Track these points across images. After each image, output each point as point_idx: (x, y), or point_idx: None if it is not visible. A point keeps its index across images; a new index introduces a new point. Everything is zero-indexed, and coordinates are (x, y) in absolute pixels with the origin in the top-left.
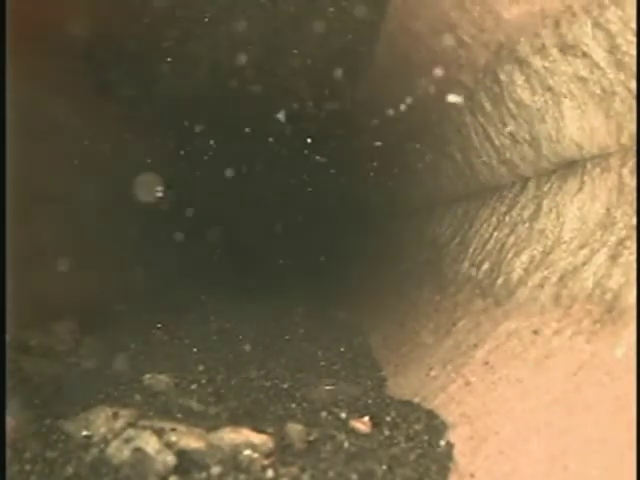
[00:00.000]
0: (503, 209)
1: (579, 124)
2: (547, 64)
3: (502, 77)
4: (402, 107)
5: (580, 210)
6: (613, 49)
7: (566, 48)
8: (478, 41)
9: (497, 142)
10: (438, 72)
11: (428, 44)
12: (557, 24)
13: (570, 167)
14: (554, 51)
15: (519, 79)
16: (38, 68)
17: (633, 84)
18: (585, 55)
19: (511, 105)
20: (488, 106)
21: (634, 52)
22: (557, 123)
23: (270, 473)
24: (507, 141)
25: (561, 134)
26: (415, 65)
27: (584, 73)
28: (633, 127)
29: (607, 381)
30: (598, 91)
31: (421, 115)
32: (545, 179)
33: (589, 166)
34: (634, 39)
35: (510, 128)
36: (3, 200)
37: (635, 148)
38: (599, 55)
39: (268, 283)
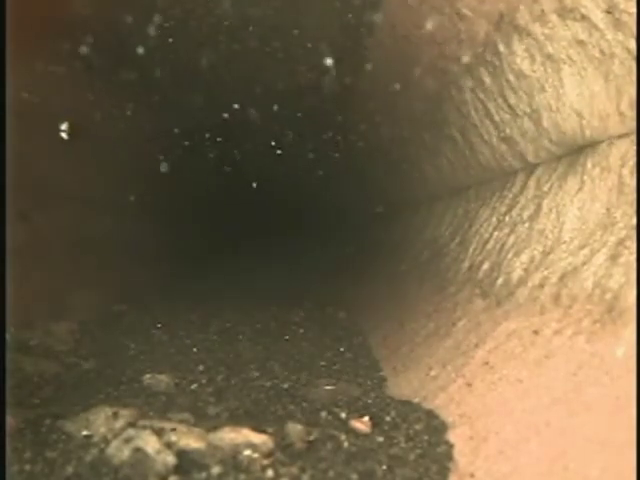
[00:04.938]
0: (503, 209)
1: (579, 90)
2: (546, 30)
3: (502, 48)
4: (401, 87)
5: (580, 210)
6: (611, 8)
7: (565, 12)
8: (478, 13)
9: (497, 118)
10: (437, 49)
11: (427, 20)
12: None
13: (570, 165)
14: (553, 16)
15: (519, 49)
16: (39, 55)
17: (632, 44)
18: (584, 17)
19: (511, 77)
20: (488, 80)
21: (633, 10)
22: (557, 91)
23: (270, 473)
24: (507, 116)
25: (561, 102)
26: (413, 43)
27: (583, 36)
28: (633, 91)
29: (607, 381)
30: (597, 54)
31: (420, 95)
32: (545, 178)
33: (589, 166)
34: None
35: (510, 101)
36: (3, 199)
37: (635, 148)
38: (597, 16)
39: (266, 282)
